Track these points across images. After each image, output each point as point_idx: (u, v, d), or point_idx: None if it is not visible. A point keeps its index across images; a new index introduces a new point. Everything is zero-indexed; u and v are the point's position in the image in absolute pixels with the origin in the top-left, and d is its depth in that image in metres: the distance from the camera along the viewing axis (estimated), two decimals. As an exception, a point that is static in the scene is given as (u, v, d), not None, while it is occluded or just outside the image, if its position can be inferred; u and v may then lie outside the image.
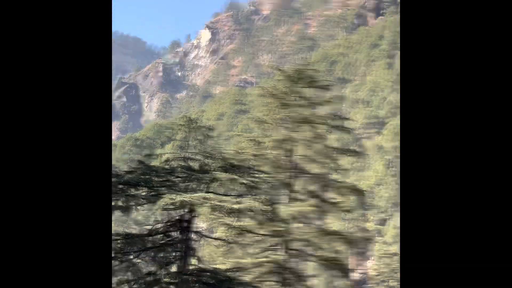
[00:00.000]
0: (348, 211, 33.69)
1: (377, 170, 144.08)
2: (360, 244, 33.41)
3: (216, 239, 28.15)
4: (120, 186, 24.49)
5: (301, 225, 31.30)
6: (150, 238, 25.51)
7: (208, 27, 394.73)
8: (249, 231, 30.33)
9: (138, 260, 25.43)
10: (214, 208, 24.28)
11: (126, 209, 24.70)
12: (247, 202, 25.04)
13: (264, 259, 29.75)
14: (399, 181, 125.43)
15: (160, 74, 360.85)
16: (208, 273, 24.96)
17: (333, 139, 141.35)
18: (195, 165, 26.00)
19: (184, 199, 23.70)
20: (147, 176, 24.98)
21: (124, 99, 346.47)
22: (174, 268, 25.27)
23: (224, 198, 24.76)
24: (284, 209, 30.50)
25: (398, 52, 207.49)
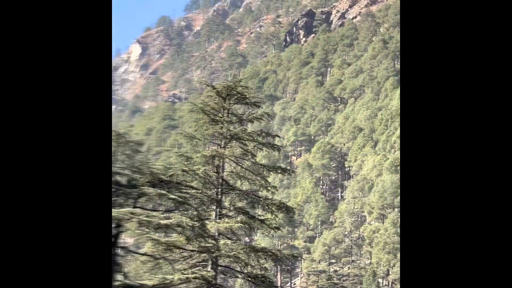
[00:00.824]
0: (276, 228, 33.79)
1: (306, 188, 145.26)
2: (288, 261, 33.47)
3: (143, 254, 27.83)
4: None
5: (229, 241, 31.25)
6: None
7: (138, 41, 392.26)
8: (177, 247, 30.10)
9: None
10: (141, 223, 24.04)
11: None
12: (176, 217, 24.85)
13: (192, 275, 29.54)
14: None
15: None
16: (134, 290, 24.62)
17: (262, 156, 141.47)
18: (123, 179, 25.70)
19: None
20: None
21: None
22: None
23: (152, 213, 24.54)
24: (213, 225, 30.43)
25: (328, 70, 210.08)
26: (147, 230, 25.02)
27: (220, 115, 33.05)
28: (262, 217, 32.82)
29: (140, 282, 26.54)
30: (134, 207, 24.67)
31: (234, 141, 32.66)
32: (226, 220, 31.28)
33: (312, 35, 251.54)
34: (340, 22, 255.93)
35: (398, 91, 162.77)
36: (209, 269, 30.57)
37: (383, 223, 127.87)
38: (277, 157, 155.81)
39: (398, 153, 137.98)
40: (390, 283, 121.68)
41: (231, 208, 32.45)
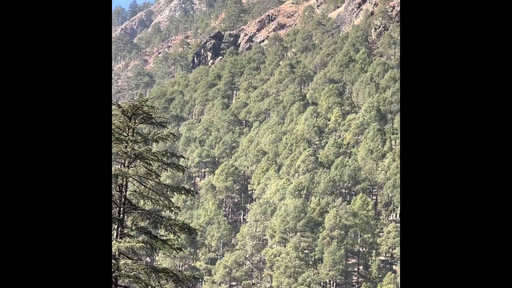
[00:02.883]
0: (178, 249, 33.65)
1: (209, 209, 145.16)
2: (189, 282, 33.31)
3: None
4: None
5: (130, 261, 30.92)
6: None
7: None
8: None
9: None
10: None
11: None
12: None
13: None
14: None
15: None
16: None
17: (167, 176, 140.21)
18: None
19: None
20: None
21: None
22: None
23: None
24: (113, 245, 30.05)
25: (234, 92, 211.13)
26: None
27: (125, 134, 32.82)
28: (164, 237, 32.67)
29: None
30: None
31: (139, 160, 32.47)
32: (128, 239, 30.97)
33: (220, 57, 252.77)
34: (247, 45, 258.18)
35: (303, 116, 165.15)
36: (108, 289, 30.11)
37: (284, 247, 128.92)
38: (181, 178, 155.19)
39: (301, 178, 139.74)
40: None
41: (133, 228, 32.17)
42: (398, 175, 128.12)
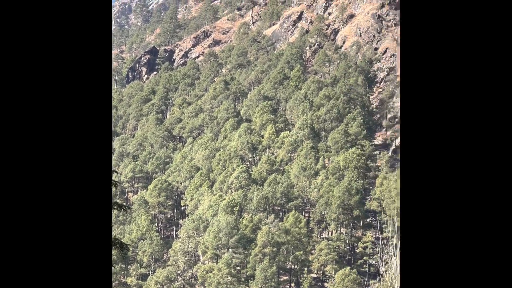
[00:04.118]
0: (109, 265, 33.33)
1: (141, 225, 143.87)
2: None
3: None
4: None
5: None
6: None
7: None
8: None
9: None
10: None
11: None
12: None
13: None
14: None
15: None
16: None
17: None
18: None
19: None
20: None
21: None
22: None
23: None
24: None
25: (169, 108, 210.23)
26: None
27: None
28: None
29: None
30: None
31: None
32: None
33: (154, 72, 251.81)
34: (182, 61, 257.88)
35: (237, 132, 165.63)
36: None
37: (216, 263, 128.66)
38: (114, 193, 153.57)
39: (234, 194, 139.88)
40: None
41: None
42: (331, 192, 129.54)
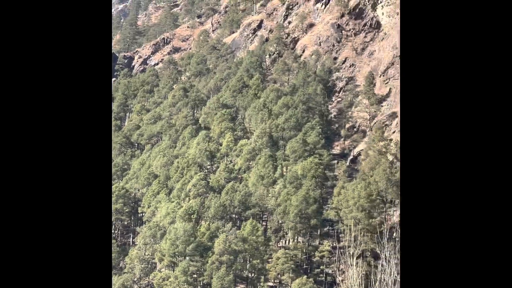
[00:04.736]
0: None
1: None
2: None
3: None
4: None
5: None
6: None
7: None
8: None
9: None
10: None
11: None
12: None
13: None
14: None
15: None
16: None
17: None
18: None
19: None
20: None
21: None
22: None
23: None
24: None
25: (127, 114, 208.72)
26: None
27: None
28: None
29: None
30: None
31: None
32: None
33: (114, 79, 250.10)
34: (142, 68, 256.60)
35: (195, 140, 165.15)
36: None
37: (173, 271, 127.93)
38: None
39: (192, 202, 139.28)
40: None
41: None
42: (289, 201, 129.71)
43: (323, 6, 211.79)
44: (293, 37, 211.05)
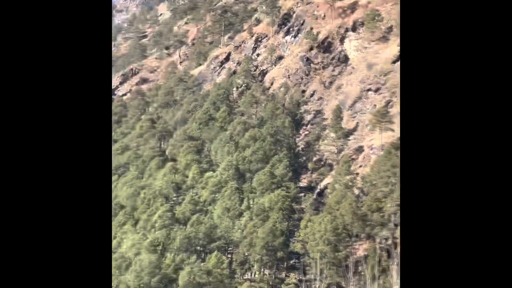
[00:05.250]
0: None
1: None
2: None
3: None
4: None
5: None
6: None
7: None
8: None
9: None
10: None
11: None
12: None
13: None
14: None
15: None
16: None
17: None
18: None
19: None
20: None
21: None
22: None
23: None
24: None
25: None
26: None
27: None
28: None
29: None
30: None
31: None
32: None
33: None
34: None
35: (162, 171, 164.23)
36: None
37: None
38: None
39: (157, 233, 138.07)
40: None
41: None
42: (255, 233, 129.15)
43: (292, 38, 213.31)
44: (261, 69, 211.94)
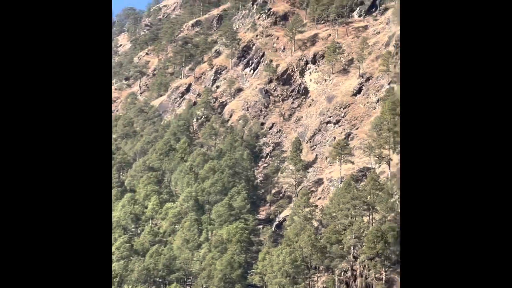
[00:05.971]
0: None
1: None
2: None
3: None
4: None
5: None
6: None
7: None
8: None
9: None
10: None
11: None
12: None
13: None
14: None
15: None
16: None
17: None
18: None
19: None
20: None
21: None
22: None
23: None
24: None
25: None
26: None
27: None
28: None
29: None
30: None
31: None
32: None
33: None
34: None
35: (120, 202, 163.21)
36: None
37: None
38: None
39: (115, 265, 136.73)
40: None
41: None
42: (214, 265, 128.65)
43: (252, 71, 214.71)
44: (221, 101, 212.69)
